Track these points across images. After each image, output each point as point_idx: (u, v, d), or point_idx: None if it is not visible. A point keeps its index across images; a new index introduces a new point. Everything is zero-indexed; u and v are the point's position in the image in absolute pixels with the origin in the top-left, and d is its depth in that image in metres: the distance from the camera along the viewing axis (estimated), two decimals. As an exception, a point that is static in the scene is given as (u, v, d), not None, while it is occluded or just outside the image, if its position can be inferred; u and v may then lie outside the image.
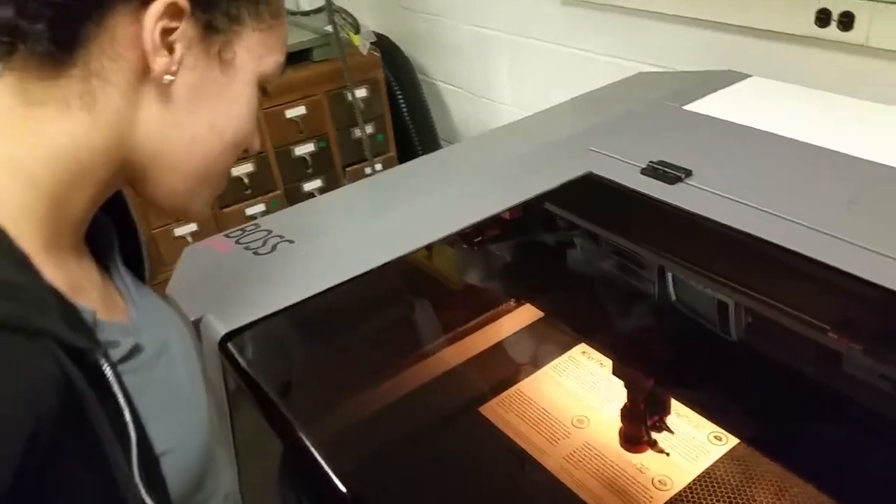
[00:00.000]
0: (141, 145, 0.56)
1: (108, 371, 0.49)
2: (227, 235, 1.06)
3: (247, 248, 1.01)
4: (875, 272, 0.82)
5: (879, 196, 0.95)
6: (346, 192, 1.21)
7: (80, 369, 0.46)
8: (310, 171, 2.24)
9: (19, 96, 0.52)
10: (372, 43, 2.18)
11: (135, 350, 0.56)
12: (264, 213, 2.16)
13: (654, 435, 0.90)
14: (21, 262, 0.47)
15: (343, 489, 0.70)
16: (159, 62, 0.53)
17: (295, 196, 2.23)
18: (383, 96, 2.33)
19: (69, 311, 0.49)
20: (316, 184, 2.26)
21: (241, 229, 1.07)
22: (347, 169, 2.32)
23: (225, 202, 2.13)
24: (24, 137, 0.52)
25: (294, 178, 2.22)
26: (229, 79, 0.58)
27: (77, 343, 0.46)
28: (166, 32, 0.53)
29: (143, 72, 0.53)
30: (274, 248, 1.00)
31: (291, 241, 1.01)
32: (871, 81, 1.26)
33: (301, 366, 0.91)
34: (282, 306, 0.87)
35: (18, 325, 0.42)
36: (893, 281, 0.80)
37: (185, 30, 0.53)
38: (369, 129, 2.30)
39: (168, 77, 0.54)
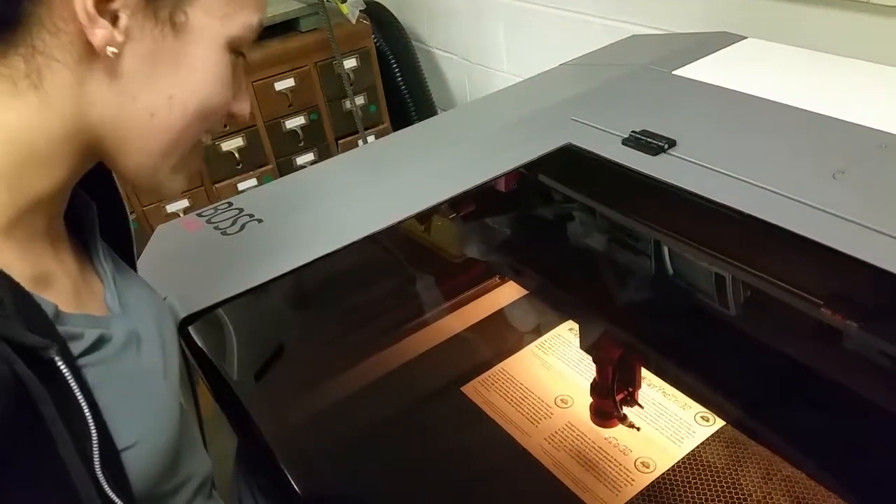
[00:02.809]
0: (99, 123, 0.53)
1: (63, 368, 0.47)
2: (198, 214, 1.04)
3: (216, 228, 0.99)
4: (856, 246, 0.78)
5: (867, 165, 0.91)
6: (322, 169, 1.18)
7: (34, 367, 0.44)
8: (301, 144, 2.20)
9: None
10: (363, 11, 2.13)
11: (99, 341, 0.54)
12: (256, 188, 2.14)
13: (636, 413, 0.88)
14: None
15: (297, 489, 0.68)
16: (99, 34, 0.49)
17: (287, 170, 2.19)
18: (374, 66, 2.28)
19: (28, 307, 0.47)
20: (308, 157, 2.23)
21: (214, 208, 1.05)
22: (340, 141, 2.28)
23: (216, 177, 2.10)
24: None
25: (286, 152, 2.19)
26: (185, 44, 0.53)
27: (27, 341, 0.44)
28: (104, 1, 0.49)
29: (89, 46, 0.50)
30: (243, 227, 0.98)
31: (260, 221, 0.98)
32: (874, 41, 1.22)
33: (266, 351, 0.89)
34: (243, 289, 0.85)
35: None
36: (873, 255, 0.77)
37: None
38: (360, 100, 2.26)
39: (111, 49, 0.50)
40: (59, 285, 0.54)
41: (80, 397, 0.48)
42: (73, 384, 0.48)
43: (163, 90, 0.53)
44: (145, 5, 0.50)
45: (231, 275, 0.87)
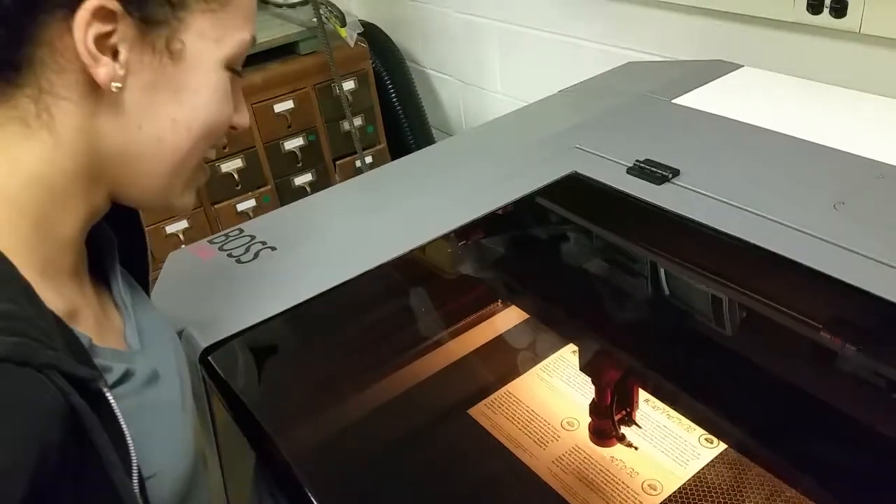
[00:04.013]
0: (108, 153, 0.55)
1: (111, 398, 0.49)
2: (210, 241, 1.05)
3: (230, 256, 1.00)
4: (856, 276, 0.81)
5: (866, 195, 0.94)
6: (330, 195, 1.19)
7: (84, 397, 0.46)
8: (300, 165, 2.22)
9: None
10: (360, 33, 2.16)
11: (126, 375, 0.56)
12: (255, 209, 2.15)
13: (639, 434, 0.90)
14: (27, 293, 0.47)
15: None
16: (101, 71, 0.51)
17: (285, 190, 2.21)
18: (372, 88, 2.31)
19: (72, 341, 0.49)
20: (306, 178, 2.25)
21: (225, 235, 1.06)
22: (338, 162, 2.30)
23: (215, 198, 2.11)
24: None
25: (284, 173, 2.21)
26: (184, 70, 0.55)
27: (80, 373, 0.46)
28: (103, 37, 0.50)
29: (92, 81, 0.51)
30: (256, 255, 0.99)
31: (274, 248, 1.00)
32: (865, 70, 1.25)
33: (285, 379, 0.90)
34: (262, 318, 0.86)
35: (24, 360, 0.42)
36: (873, 285, 0.80)
37: (122, 31, 0.51)
38: (359, 121, 2.28)
39: (116, 84, 0.52)
40: (85, 320, 0.56)
41: (123, 426, 0.50)
42: (118, 413, 0.50)
43: (166, 115, 0.55)
44: (143, 38, 0.52)
45: (249, 303, 0.89)
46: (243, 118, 0.62)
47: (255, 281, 0.94)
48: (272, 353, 0.91)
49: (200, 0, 0.54)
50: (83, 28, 0.49)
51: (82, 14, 0.49)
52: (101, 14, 0.49)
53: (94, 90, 0.52)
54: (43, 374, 0.43)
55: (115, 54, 0.51)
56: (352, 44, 2.09)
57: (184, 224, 2.07)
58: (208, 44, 0.55)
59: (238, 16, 0.57)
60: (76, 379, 0.45)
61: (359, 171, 2.27)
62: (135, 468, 0.50)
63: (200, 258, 1.01)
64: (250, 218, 1.23)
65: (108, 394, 0.49)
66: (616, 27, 1.70)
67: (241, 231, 1.06)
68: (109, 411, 0.49)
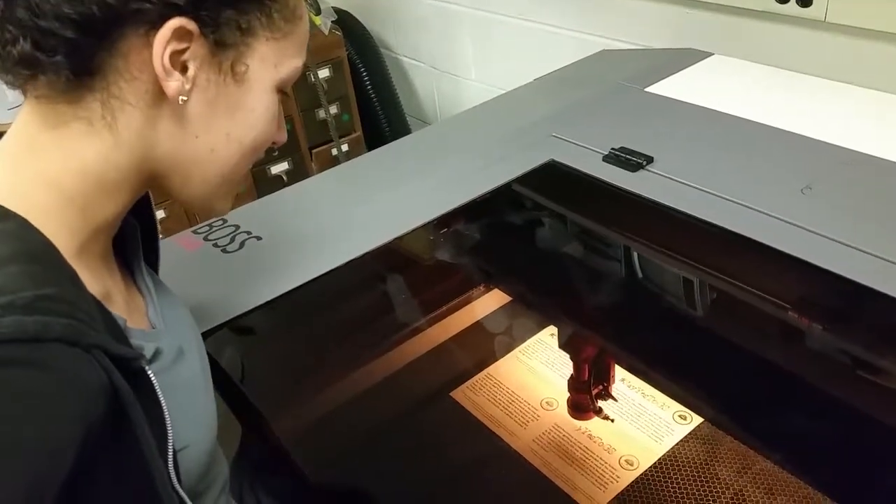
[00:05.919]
0: (163, 157, 0.58)
1: (152, 376, 0.53)
2: (194, 232, 1.06)
3: (215, 246, 1.02)
4: (822, 257, 0.85)
5: (832, 180, 0.98)
6: (312, 184, 1.21)
7: (125, 376, 0.48)
8: (276, 153, 2.22)
9: (48, 118, 0.54)
10: (334, 21, 2.16)
11: (156, 353, 0.59)
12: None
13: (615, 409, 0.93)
14: (71, 277, 0.49)
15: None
16: (172, 85, 0.54)
17: (262, 179, 2.22)
18: (347, 76, 2.31)
19: (110, 322, 0.52)
20: (283, 167, 2.26)
21: (209, 225, 1.07)
22: (314, 150, 2.31)
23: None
24: (56, 155, 0.54)
25: (260, 162, 2.19)
26: (244, 90, 0.59)
27: (122, 353, 0.49)
28: (177, 54, 0.54)
29: (160, 92, 0.55)
30: (242, 245, 1.01)
31: (259, 238, 1.02)
32: (830, 58, 1.28)
33: (275, 365, 0.92)
34: (252, 306, 0.88)
35: (75, 340, 0.45)
36: (837, 265, 0.83)
37: (195, 50, 0.54)
38: (334, 109, 2.29)
39: (182, 98, 0.55)
40: (117, 302, 0.59)
41: (162, 402, 0.53)
42: (158, 391, 0.53)
43: (222, 129, 0.59)
44: (212, 58, 0.56)
45: (238, 292, 0.91)
46: (283, 135, 0.66)
47: (242, 270, 0.96)
48: (262, 341, 0.93)
49: (266, 29, 0.58)
50: (162, 44, 0.53)
51: (163, 32, 0.52)
52: (180, 33, 0.53)
53: (160, 100, 0.55)
54: (90, 354, 0.46)
55: (183, 70, 0.55)
56: (326, 32, 2.09)
57: (161, 213, 2.07)
58: (268, 68, 0.59)
59: (295, 44, 0.61)
60: (118, 358, 0.48)
61: (335, 160, 2.28)
62: (170, 442, 0.54)
63: (186, 249, 1.03)
64: (227, 207, 1.23)
65: (149, 371, 0.52)
66: (588, 15, 1.72)
67: (225, 221, 1.07)
68: (149, 389, 0.52)
